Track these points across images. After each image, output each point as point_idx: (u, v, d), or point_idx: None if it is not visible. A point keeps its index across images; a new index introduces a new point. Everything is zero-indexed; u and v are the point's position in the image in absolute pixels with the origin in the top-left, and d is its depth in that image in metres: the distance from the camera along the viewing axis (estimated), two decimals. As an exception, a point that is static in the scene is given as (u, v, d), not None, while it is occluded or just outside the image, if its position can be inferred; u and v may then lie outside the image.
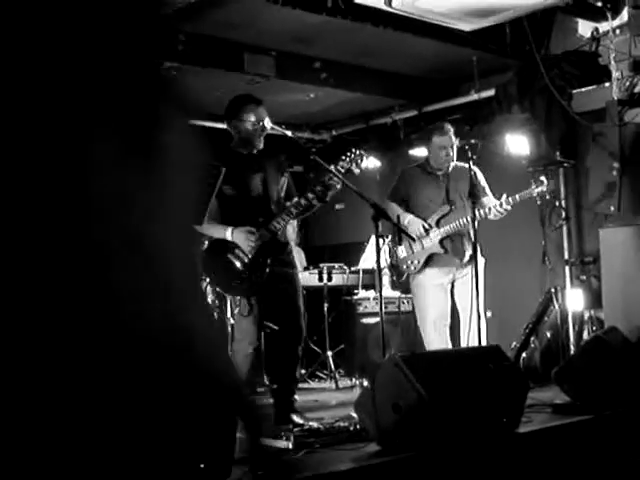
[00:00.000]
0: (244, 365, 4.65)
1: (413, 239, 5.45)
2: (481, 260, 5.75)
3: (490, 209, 5.56)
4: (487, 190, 5.81)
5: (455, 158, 5.72)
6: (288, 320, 4.78)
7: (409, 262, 5.75)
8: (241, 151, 4.84)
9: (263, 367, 6.66)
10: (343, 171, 4.53)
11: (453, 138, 5.70)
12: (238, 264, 4.64)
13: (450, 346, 5.73)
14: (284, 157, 5.01)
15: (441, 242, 5.67)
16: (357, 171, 4.58)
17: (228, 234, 4.66)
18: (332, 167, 4.57)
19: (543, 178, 5.68)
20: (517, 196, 5.52)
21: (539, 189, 5.54)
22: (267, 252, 4.71)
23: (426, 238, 5.66)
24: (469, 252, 5.61)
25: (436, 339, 5.69)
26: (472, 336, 5.61)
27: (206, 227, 4.57)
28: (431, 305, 5.70)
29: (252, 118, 4.74)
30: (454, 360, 3.99)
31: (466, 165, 5.61)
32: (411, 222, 5.68)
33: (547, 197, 5.75)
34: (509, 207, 5.54)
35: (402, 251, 5.79)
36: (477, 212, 5.41)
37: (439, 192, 5.76)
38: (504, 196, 5.58)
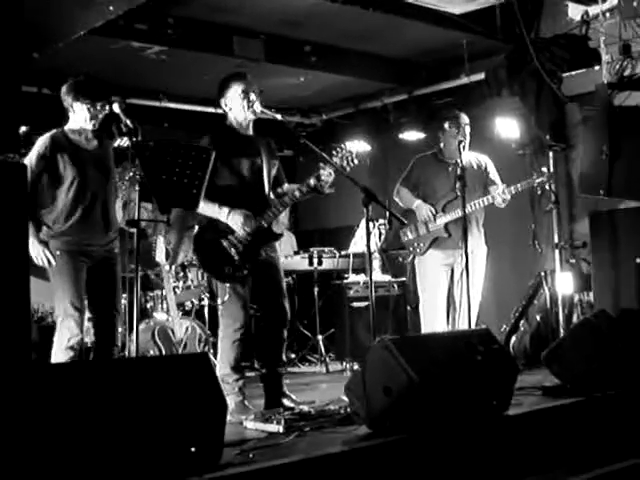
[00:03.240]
0: (232, 351, 4.58)
1: (404, 223, 5.49)
2: (484, 248, 5.84)
3: (491, 197, 5.70)
4: (497, 180, 5.97)
5: (467, 147, 5.75)
6: (273, 303, 4.76)
7: (415, 244, 5.96)
8: (237, 130, 4.75)
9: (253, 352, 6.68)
10: (335, 168, 4.51)
11: (467, 128, 5.74)
12: (232, 251, 4.59)
13: (447, 327, 5.86)
14: (274, 142, 4.97)
15: (446, 227, 5.84)
16: (349, 168, 4.56)
17: (224, 215, 4.55)
18: (322, 164, 4.54)
19: (544, 169, 5.77)
20: (518, 185, 5.67)
21: (540, 179, 5.65)
22: (261, 241, 4.68)
23: (432, 222, 5.86)
24: (473, 237, 5.67)
25: (435, 319, 5.82)
26: (462, 319, 5.67)
27: (201, 206, 4.41)
28: (433, 286, 5.87)
29: (242, 87, 4.67)
30: (444, 343, 4.00)
31: (477, 155, 5.95)
32: (419, 207, 5.91)
33: (547, 187, 5.84)
34: (508, 196, 5.66)
35: (409, 234, 5.97)
36: (481, 200, 5.69)
37: (448, 180, 5.88)
38: (503, 186, 5.67)
